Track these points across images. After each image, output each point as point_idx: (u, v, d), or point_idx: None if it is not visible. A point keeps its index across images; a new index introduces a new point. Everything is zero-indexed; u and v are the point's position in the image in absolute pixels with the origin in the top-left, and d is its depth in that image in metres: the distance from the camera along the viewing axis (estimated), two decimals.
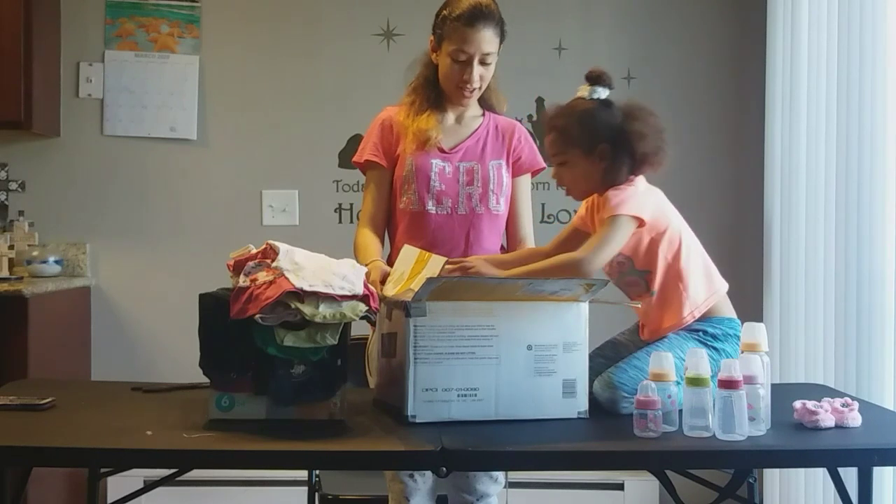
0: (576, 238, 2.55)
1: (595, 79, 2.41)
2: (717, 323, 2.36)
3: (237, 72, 4.18)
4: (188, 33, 4.16)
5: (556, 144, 2.40)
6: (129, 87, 4.14)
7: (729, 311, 2.41)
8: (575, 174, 2.40)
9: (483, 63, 2.64)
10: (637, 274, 2.39)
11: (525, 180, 2.81)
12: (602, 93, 2.40)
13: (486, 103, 2.78)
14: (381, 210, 2.75)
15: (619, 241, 2.32)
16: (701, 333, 2.35)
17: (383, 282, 2.48)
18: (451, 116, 2.75)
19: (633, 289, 2.42)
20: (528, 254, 2.62)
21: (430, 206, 2.69)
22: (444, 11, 2.65)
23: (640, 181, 2.41)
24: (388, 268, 2.56)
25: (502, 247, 2.78)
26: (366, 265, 2.43)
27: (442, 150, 2.71)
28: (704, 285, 2.38)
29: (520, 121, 2.92)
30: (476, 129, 2.75)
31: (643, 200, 2.35)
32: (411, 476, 2.65)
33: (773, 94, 3.76)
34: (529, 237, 2.80)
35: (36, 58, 3.89)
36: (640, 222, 2.33)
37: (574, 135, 2.37)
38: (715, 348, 2.32)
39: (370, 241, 2.70)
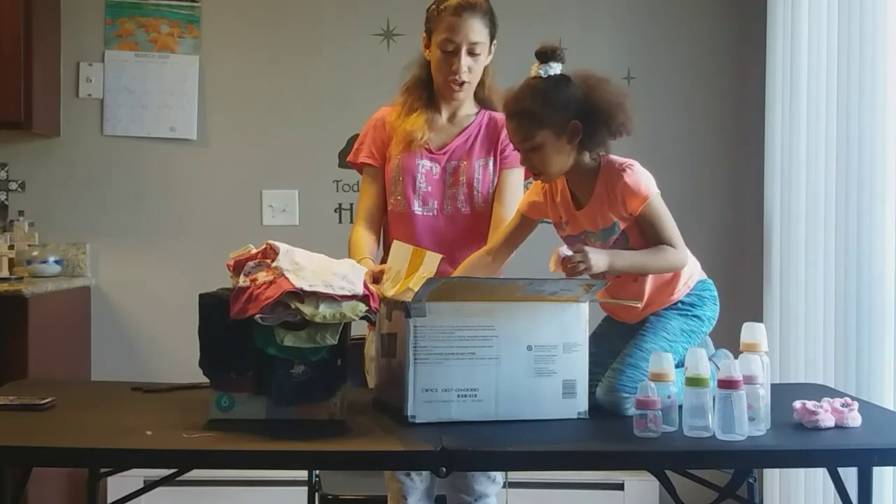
0: (525, 227, 2.49)
1: (546, 55, 2.30)
2: (692, 289, 2.35)
3: (237, 72, 4.19)
4: (188, 33, 4.16)
5: (522, 129, 2.30)
6: (129, 87, 4.14)
7: (699, 272, 2.39)
8: (547, 156, 2.29)
9: (471, 53, 2.62)
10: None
11: (512, 174, 2.72)
12: (556, 68, 2.30)
13: (484, 102, 2.76)
14: (376, 208, 2.74)
15: (670, 216, 2.29)
16: (679, 305, 2.34)
17: (376, 281, 2.45)
18: (443, 116, 2.74)
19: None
20: (477, 257, 2.54)
21: (416, 207, 2.68)
22: (434, 6, 2.68)
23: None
24: (375, 266, 2.54)
25: None
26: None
27: (430, 151, 2.70)
28: (688, 254, 2.34)
29: None
30: (466, 128, 2.73)
31: (645, 174, 2.31)
32: (408, 475, 2.65)
33: (773, 93, 3.76)
34: None
35: (36, 58, 3.89)
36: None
37: (541, 115, 2.27)
38: (696, 316, 2.31)
39: (361, 239, 2.69)
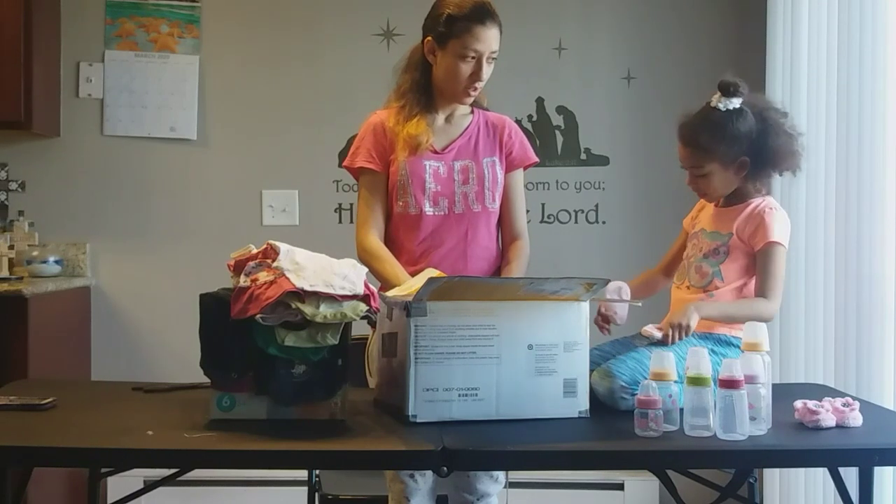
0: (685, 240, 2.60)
1: (729, 89, 2.40)
2: (732, 336, 2.39)
3: (237, 71, 4.19)
4: (188, 33, 4.16)
5: (693, 157, 2.42)
6: (129, 87, 4.14)
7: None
8: (713, 184, 2.43)
9: (489, 60, 2.65)
10: (713, 270, 2.42)
11: (518, 175, 2.79)
12: (735, 102, 2.40)
13: (475, 101, 2.77)
14: (382, 214, 2.73)
15: (783, 272, 2.38)
16: (712, 334, 2.38)
17: None
18: (441, 117, 2.74)
19: (694, 277, 2.45)
20: (651, 274, 2.67)
21: (428, 208, 2.68)
22: (449, 11, 2.63)
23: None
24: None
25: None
26: (411, 278, 2.49)
27: (434, 151, 2.70)
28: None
29: (519, 121, 2.92)
30: (467, 128, 2.75)
31: (788, 227, 2.42)
32: (412, 476, 2.65)
33: (773, 94, 3.75)
34: (524, 233, 2.79)
35: (36, 58, 3.89)
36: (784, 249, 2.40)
37: (713, 149, 2.39)
38: (713, 352, 2.33)
39: (387, 252, 2.67)
